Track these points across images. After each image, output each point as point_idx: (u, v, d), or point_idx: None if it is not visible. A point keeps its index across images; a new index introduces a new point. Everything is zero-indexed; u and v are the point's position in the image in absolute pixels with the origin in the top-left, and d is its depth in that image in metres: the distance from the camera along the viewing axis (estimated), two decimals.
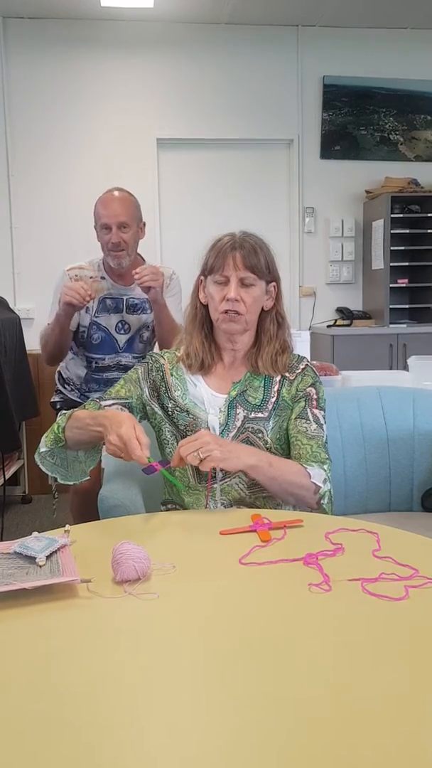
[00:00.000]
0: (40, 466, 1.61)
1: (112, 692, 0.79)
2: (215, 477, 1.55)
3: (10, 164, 4.60)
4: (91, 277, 2.39)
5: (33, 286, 4.55)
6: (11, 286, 4.58)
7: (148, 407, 1.65)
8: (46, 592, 1.04)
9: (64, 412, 1.61)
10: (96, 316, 2.40)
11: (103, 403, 1.61)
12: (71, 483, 1.65)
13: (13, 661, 0.86)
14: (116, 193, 2.35)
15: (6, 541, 1.21)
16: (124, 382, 1.67)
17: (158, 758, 0.68)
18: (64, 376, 2.58)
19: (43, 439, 1.61)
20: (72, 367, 2.54)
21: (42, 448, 1.61)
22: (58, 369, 2.62)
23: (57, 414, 2.57)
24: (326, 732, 0.71)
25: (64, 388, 2.58)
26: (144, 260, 2.47)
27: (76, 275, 2.36)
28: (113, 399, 1.63)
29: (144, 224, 2.40)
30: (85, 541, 1.26)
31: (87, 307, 2.35)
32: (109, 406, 1.60)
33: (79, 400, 2.53)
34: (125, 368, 2.46)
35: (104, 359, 2.44)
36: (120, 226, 2.28)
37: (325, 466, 1.54)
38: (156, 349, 2.55)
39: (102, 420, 1.44)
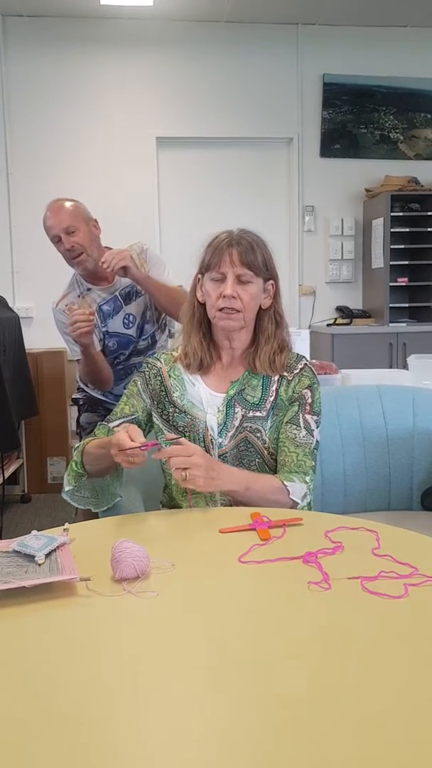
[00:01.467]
0: (71, 503, 1.61)
1: (111, 690, 0.78)
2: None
3: (9, 162, 4.60)
4: (79, 295, 2.40)
5: (32, 285, 4.55)
6: (10, 285, 4.58)
7: (153, 415, 1.65)
8: (45, 590, 1.03)
9: (76, 445, 1.60)
10: (104, 327, 2.40)
11: (111, 424, 1.61)
12: (105, 509, 1.62)
13: (13, 659, 0.86)
14: (50, 205, 2.33)
15: (5, 539, 1.21)
16: (126, 398, 1.66)
17: (157, 756, 0.68)
18: None
19: (66, 477, 1.61)
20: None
21: (67, 487, 1.60)
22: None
23: (78, 409, 2.60)
24: (326, 730, 0.70)
25: (87, 386, 2.58)
26: (111, 247, 2.44)
27: (66, 305, 2.36)
28: (119, 418, 1.62)
29: (95, 221, 2.38)
30: (84, 539, 1.26)
31: (95, 325, 2.35)
32: (117, 426, 1.58)
33: (101, 397, 2.53)
34: (143, 351, 2.47)
35: (125, 353, 2.45)
36: (67, 232, 2.27)
37: (308, 477, 1.54)
38: (167, 338, 2.55)
39: (107, 445, 1.44)
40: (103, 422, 1.64)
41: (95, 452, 1.52)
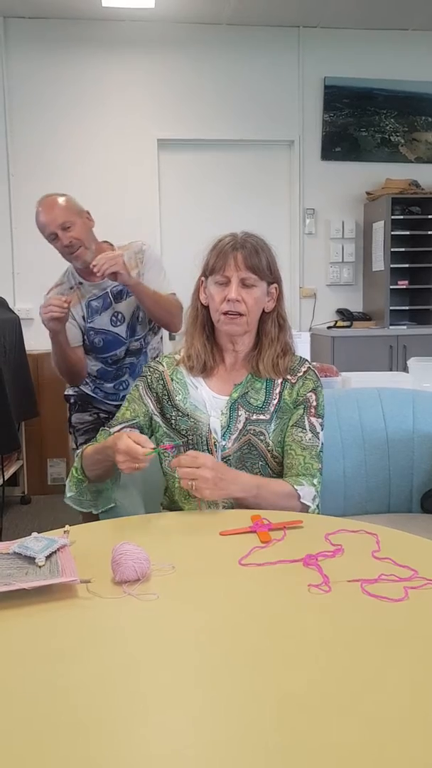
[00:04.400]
0: (74, 507, 1.63)
1: (111, 692, 0.78)
2: None
3: (11, 164, 4.60)
4: (71, 288, 2.39)
5: (33, 287, 4.53)
6: (11, 286, 4.58)
7: (154, 420, 1.65)
8: (45, 592, 1.04)
9: (77, 452, 1.61)
10: (89, 322, 2.39)
11: (112, 429, 1.61)
12: (101, 511, 1.65)
13: (13, 661, 0.86)
14: (40, 202, 2.32)
15: (5, 541, 1.21)
16: (128, 403, 1.66)
17: (158, 758, 0.68)
18: None
19: (67, 484, 1.62)
20: (87, 364, 2.53)
21: (69, 493, 1.62)
22: None
23: (70, 406, 2.59)
24: (326, 732, 0.70)
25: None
26: (113, 246, 2.43)
27: (61, 291, 2.37)
28: (120, 423, 1.63)
29: (88, 213, 2.37)
30: (85, 541, 1.26)
31: (81, 317, 2.35)
32: (118, 431, 1.58)
33: (92, 394, 2.52)
34: (135, 352, 2.47)
35: (115, 353, 2.44)
36: (62, 228, 2.26)
37: (315, 480, 1.54)
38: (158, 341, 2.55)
39: (107, 450, 1.46)
40: (105, 428, 1.64)
41: (93, 458, 1.54)
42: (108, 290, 2.38)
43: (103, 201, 4.47)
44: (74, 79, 4.62)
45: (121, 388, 2.51)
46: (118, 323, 2.40)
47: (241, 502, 1.47)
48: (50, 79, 4.60)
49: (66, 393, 2.63)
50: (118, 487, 1.65)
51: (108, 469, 1.54)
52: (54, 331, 2.24)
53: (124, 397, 2.48)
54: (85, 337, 2.41)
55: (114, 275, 2.18)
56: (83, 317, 2.39)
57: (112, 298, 2.39)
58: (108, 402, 2.53)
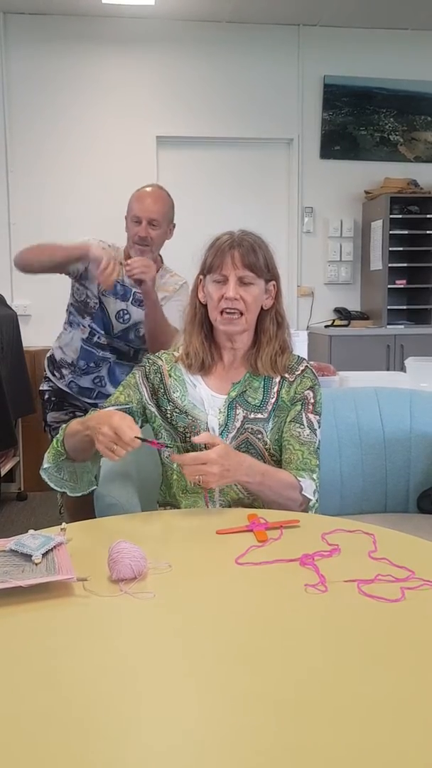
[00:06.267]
0: (48, 482, 1.60)
1: (107, 690, 0.78)
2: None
3: (9, 160, 4.59)
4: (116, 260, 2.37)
5: (30, 283, 4.49)
6: (8, 282, 4.56)
7: (148, 410, 1.64)
8: (41, 590, 1.03)
9: (63, 426, 1.59)
10: (103, 294, 2.38)
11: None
12: (80, 495, 1.63)
13: (9, 659, 0.86)
14: (153, 189, 2.36)
15: (1, 538, 1.21)
16: (123, 388, 1.66)
17: (154, 756, 0.68)
18: (57, 358, 2.55)
19: (46, 455, 1.60)
20: (67, 342, 2.50)
21: (45, 464, 1.59)
22: (50, 352, 2.60)
23: (44, 402, 2.57)
24: (321, 732, 0.70)
25: (54, 375, 2.56)
26: (162, 261, 2.46)
27: (103, 247, 2.34)
28: (113, 406, 1.61)
29: (174, 225, 2.41)
30: (81, 539, 1.26)
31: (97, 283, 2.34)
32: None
33: (66, 389, 2.50)
34: (118, 352, 2.45)
35: (102, 336, 2.43)
36: (150, 222, 2.30)
37: (315, 475, 1.55)
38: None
39: (89, 422, 1.43)
40: (96, 408, 1.63)
41: (75, 428, 1.50)
42: (134, 291, 2.37)
43: (101, 197, 4.47)
44: (74, 75, 4.61)
45: (98, 383, 2.49)
46: (122, 320, 2.39)
47: (246, 486, 1.48)
48: (50, 76, 4.59)
49: (41, 388, 2.59)
50: (99, 470, 1.63)
51: (85, 446, 1.50)
52: (82, 258, 2.22)
53: (99, 393, 2.48)
54: (88, 297, 2.39)
55: (139, 283, 2.20)
56: (99, 287, 2.36)
57: (131, 299, 2.39)
58: (83, 398, 2.51)
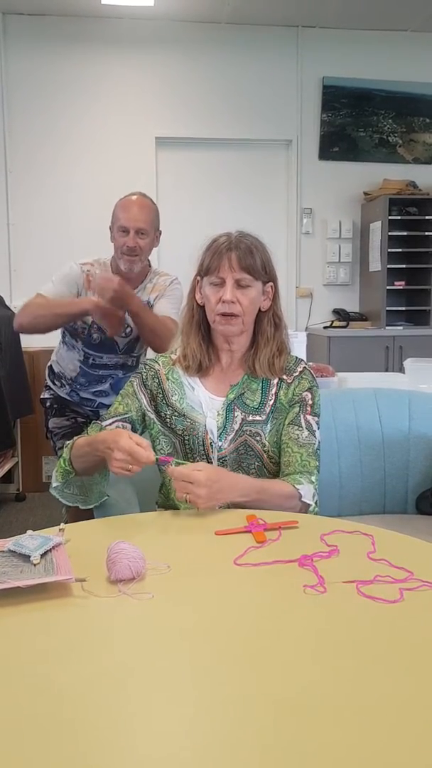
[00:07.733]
0: (60, 500, 1.60)
1: (105, 691, 0.78)
2: None
3: (8, 160, 4.59)
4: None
5: (29, 284, 4.49)
6: (7, 283, 4.56)
7: (147, 417, 1.64)
8: (40, 590, 1.03)
9: (67, 443, 1.59)
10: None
11: (104, 423, 1.60)
12: (92, 507, 1.62)
13: (7, 660, 0.85)
14: (138, 197, 2.32)
15: (0, 539, 1.21)
16: (121, 398, 1.65)
17: (152, 758, 0.68)
18: (56, 370, 2.55)
19: (54, 474, 1.60)
20: (66, 359, 2.49)
21: (54, 483, 1.59)
22: (49, 363, 2.60)
23: (46, 410, 2.57)
24: (321, 733, 0.70)
25: (54, 384, 2.55)
26: (151, 266, 2.45)
27: (88, 270, 2.33)
28: (113, 417, 1.61)
29: (160, 233, 2.38)
30: (80, 540, 1.26)
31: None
32: (110, 425, 1.58)
33: (68, 397, 2.50)
34: (122, 366, 2.44)
35: (102, 357, 2.42)
36: (138, 232, 2.26)
37: (313, 477, 1.54)
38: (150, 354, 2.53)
39: (97, 445, 1.43)
40: (97, 421, 1.63)
41: (82, 449, 1.51)
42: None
43: (100, 198, 4.45)
44: (73, 76, 4.62)
45: (99, 395, 2.48)
46: (123, 335, 2.37)
47: (242, 505, 1.46)
48: (49, 76, 4.60)
49: (42, 397, 2.60)
50: (108, 482, 1.63)
51: (95, 464, 1.51)
52: (109, 307, 2.18)
53: (100, 403, 2.48)
54: (86, 328, 2.39)
55: (112, 300, 2.15)
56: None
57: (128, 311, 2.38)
58: (85, 407, 2.51)
